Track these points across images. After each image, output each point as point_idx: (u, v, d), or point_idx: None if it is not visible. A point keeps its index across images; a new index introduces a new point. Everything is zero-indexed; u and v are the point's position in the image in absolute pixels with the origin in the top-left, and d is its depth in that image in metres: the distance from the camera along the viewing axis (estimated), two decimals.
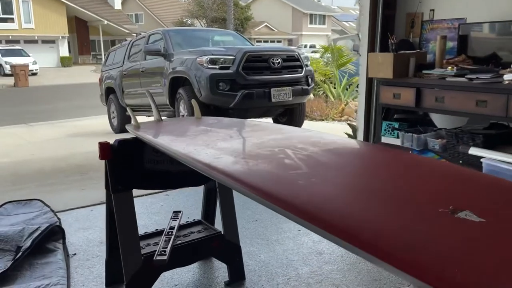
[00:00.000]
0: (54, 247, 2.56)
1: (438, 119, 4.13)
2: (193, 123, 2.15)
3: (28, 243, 2.50)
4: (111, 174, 1.94)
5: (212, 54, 5.22)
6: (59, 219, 3.03)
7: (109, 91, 8.07)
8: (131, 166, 1.98)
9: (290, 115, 6.01)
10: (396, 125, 4.09)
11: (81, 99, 14.45)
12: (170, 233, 2.21)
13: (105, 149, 1.93)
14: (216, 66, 5.15)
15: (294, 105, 5.79)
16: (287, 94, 5.30)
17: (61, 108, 12.46)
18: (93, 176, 4.26)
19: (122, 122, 7.64)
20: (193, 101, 2.33)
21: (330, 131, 6.19)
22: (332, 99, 7.77)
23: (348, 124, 5.27)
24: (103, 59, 8.88)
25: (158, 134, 1.93)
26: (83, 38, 32.50)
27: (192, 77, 5.26)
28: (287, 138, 1.64)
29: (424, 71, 3.81)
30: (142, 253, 2.00)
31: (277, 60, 5.31)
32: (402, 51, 4.06)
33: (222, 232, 2.26)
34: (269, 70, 5.28)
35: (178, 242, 2.17)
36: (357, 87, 8.47)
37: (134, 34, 7.96)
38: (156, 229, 2.33)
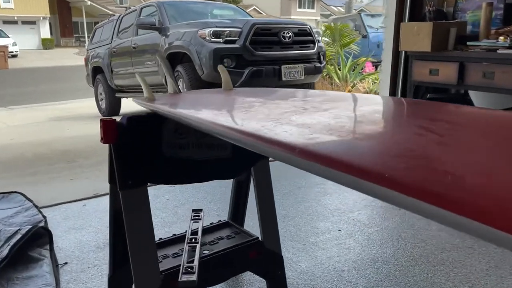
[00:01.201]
0: (39, 255, 2.01)
1: (479, 99, 3.64)
2: (228, 94, 1.61)
3: (5, 251, 1.95)
4: (118, 163, 1.40)
5: (216, 26, 4.63)
6: (44, 217, 2.48)
7: (96, 71, 7.42)
8: (146, 152, 1.44)
9: None
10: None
11: (65, 82, 13.69)
12: (193, 240, 1.68)
13: (109, 128, 1.38)
14: (220, 40, 4.57)
15: (305, 85, 5.25)
16: (299, 72, 4.76)
17: (43, 91, 11.72)
18: (83, 163, 3.68)
19: (111, 104, 7.03)
20: (221, 67, 1.78)
21: None
22: (338, 81, 7.26)
23: None
24: (90, 37, 8.18)
25: (188, 107, 1.39)
26: (66, 20, 31.26)
27: (192, 52, 4.67)
28: (377, 109, 1.13)
29: (469, 43, 3.31)
30: (160, 269, 1.47)
31: (288, 34, 4.76)
32: (440, 21, 3.55)
33: (260, 238, 1.74)
34: (279, 45, 4.72)
35: (205, 252, 1.64)
36: (362, 69, 7.98)
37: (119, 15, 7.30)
38: (174, 234, 1.80)
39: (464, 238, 2.24)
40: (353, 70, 7.56)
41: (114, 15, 7.52)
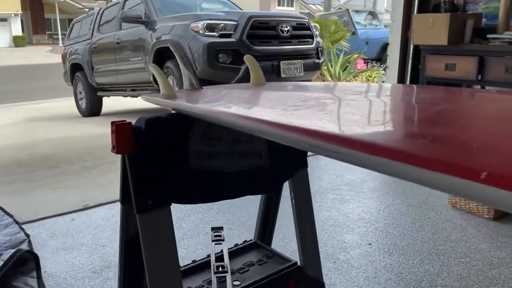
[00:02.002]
0: (24, 286, 1.67)
1: None
2: (264, 89, 1.30)
3: None
4: (135, 179, 1.08)
5: (210, 19, 4.31)
6: (27, 235, 2.12)
7: (75, 68, 6.97)
8: (169, 164, 1.13)
9: None
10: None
11: (39, 81, 13.08)
12: (221, 268, 1.37)
13: (124, 134, 1.06)
14: (215, 34, 4.25)
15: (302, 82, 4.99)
16: (298, 68, 4.48)
17: (16, 90, 11.12)
18: (67, 170, 3.31)
19: (92, 103, 6.60)
20: (248, 57, 1.48)
21: None
22: (330, 78, 7.03)
23: None
24: (67, 32, 7.71)
25: (225, 105, 1.07)
26: (38, 16, 30.19)
27: (184, 47, 4.33)
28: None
29: (489, 36, 3.09)
30: None
31: (286, 27, 4.47)
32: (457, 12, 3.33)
33: (300, 263, 1.45)
34: (278, 39, 4.43)
35: (237, 284, 1.34)
36: (353, 66, 7.77)
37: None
38: (194, 261, 1.48)
39: (509, 250, 2.01)
40: (345, 68, 7.34)
41: (93, 8, 7.08)
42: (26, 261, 1.78)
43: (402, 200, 2.63)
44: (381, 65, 8.73)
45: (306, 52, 4.66)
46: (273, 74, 4.32)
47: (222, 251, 1.49)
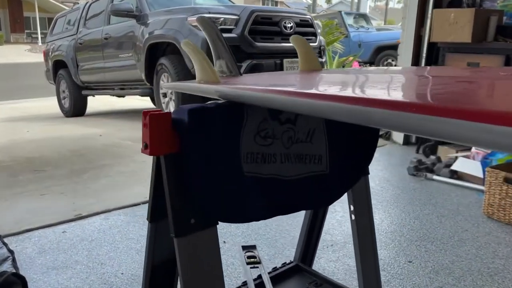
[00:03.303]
0: None
1: None
2: (316, 73, 1.02)
3: None
4: (174, 190, 0.79)
5: (209, 12, 4.01)
6: (11, 252, 1.79)
7: (58, 66, 6.58)
8: (219, 170, 0.84)
9: None
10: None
11: (18, 80, 12.53)
12: None
13: (161, 128, 0.78)
14: None
15: None
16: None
17: None
18: (54, 174, 2.96)
19: (76, 103, 6.23)
20: (295, 38, 1.20)
21: None
22: None
23: None
24: (50, 27, 7.30)
25: (288, 87, 0.79)
26: (16, 14, 29.30)
27: (181, 42, 4.02)
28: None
29: None
30: None
31: (290, 24, 4.21)
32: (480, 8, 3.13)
33: None
34: (280, 36, 4.16)
35: None
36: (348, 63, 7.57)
37: None
38: None
39: None
40: None
41: (78, 2, 6.70)
42: (11, 285, 1.46)
43: (431, 210, 2.39)
44: None
45: None
46: None
47: (260, 276, 1.21)
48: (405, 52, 3.72)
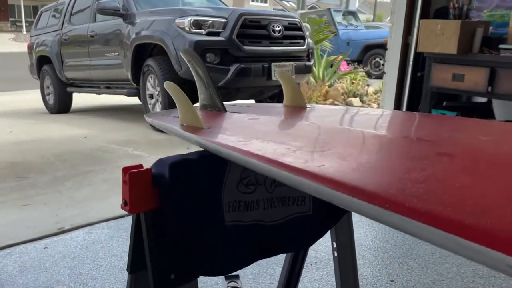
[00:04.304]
0: None
1: (505, 111, 3.28)
2: (307, 116, 1.01)
3: None
4: (153, 246, 0.78)
5: (197, 15, 3.97)
6: None
7: (42, 61, 6.47)
8: (200, 223, 0.83)
9: (282, 98, 4.91)
10: (452, 115, 3.18)
11: (1, 71, 12.26)
12: None
13: (141, 186, 0.77)
14: (203, 31, 3.92)
15: None
16: (289, 71, 4.22)
17: None
18: (37, 181, 2.92)
19: (60, 99, 6.14)
20: (282, 73, 1.19)
21: None
22: (313, 80, 6.80)
23: None
24: (34, 21, 7.15)
25: (276, 144, 0.78)
26: (0, 2, 28.68)
27: (168, 44, 3.98)
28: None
29: (501, 46, 2.92)
30: None
31: (278, 27, 4.19)
32: (466, 20, 3.14)
33: None
34: (269, 39, 4.14)
35: None
36: (337, 68, 7.57)
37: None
38: None
39: None
40: (331, 68, 7.13)
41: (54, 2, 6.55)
42: None
43: None
44: (363, 67, 8.60)
45: (297, 54, 4.40)
46: (263, 77, 4.04)
47: None
48: (392, 59, 3.74)
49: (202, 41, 3.84)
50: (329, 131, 0.83)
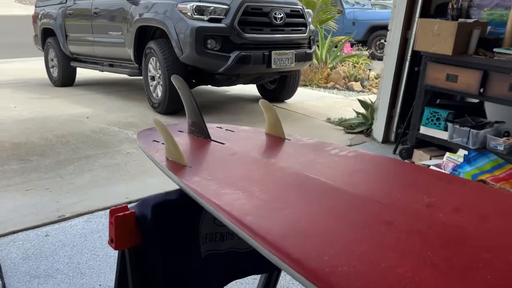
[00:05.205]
0: None
1: (493, 111, 3.35)
2: (284, 152, 1.11)
3: None
4: (136, 278, 0.90)
5: (200, 1, 3.99)
6: None
7: (46, 33, 6.49)
8: (178, 256, 0.95)
9: (282, 82, 4.99)
10: (444, 114, 3.26)
11: (6, 35, 12.23)
12: None
13: (125, 227, 0.88)
14: (204, 17, 3.95)
15: (292, 73, 4.78)
16: (289, 59, 4.26)
17: None
18: (39, 164, 3.05)
19: (64, 73, 6.20)
20: (263, 102, 1.28)
21: (331, 105, 5.27)
22: (316, 62, 6.81)
23: (360, 100, 4.38)
24: None
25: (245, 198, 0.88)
26: None
27: (170, 28, 4.03)
28: None
29: (496, 50, 2.96)
30: None
31: (280, 15, 4.21)
32: (461, 20, 3.16)
33: None
34: (270, 27, 4.17)
35: None
36: (341, 50, 7.54)
37: None
38: None
39: None
40: (333, 51, 7.11)
41: None
42: None
43: None
44: (367, 49, 8.56)
45: (298, 41, 4.43)
46: (263, 65, 4.09)
47: None
48: (391, 53, 3.77)
49: (204, 27, 3.88)
50: (292, 182, 0.93)
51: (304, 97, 5.59)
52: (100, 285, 1.84)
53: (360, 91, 6.31)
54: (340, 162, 1.05)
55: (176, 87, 1.29)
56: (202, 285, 0.99)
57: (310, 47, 4.61)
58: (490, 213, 0.84)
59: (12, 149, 3.32)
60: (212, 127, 1.36)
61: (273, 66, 4.12)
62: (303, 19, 4.46)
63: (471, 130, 3.05)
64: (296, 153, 1.12)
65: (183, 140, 1.25)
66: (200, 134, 1.26)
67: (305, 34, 4.49)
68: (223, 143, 1.20)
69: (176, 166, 1.03)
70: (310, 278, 0.63)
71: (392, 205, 0.83)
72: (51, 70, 6.52)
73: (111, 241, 0.90)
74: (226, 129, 1.35)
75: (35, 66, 7.73)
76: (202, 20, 3.93)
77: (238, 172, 1.01)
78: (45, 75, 6.59)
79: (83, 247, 2.10)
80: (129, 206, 0.93)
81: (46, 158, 3.16)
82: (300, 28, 4.44)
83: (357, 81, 6.48)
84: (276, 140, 1.23)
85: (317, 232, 0.76)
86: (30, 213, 2.36)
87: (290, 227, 0.78)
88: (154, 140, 1.26)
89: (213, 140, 1.22)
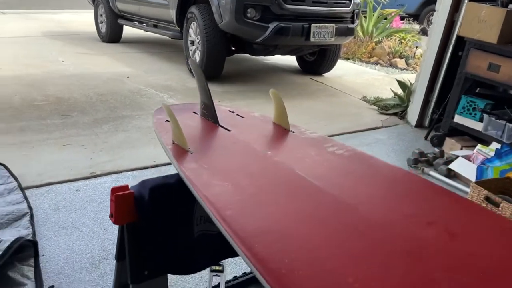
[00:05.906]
0: (20, 277, 1.67)
1: None
2: (284, 144, 1.16)
3: None
4: (132, 250, 1.01)
5: None
6: (30, 208, 2.11)
7: None
8: (171, 232, 1.04)
9: (322, 55, 4.93)
10: (481, 104, 3.15)
11: None
12: None
13: (124, 205, 0.97)
14: None
15: (332, 47, 4.71)
16: (329, 33, 4.19)
17: None
18: (78, 121, 3.24)
19: (112, 30, 6.37)
20: (274, 92, 1.32)
21: (370, 82, 5.16)
22: (361, 35, 6.62)
23: (398, 81, 4.27)
24: None
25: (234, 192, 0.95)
26: None
27: None
28: None
29: None
30: None
31: None
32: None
33: None
34: None
35: None
36: (390, 23, 7.26)
37: None
38: None
39: None
40: (382, 24, 6.87)
41: None
42: (25, 248, 1.77)
43: None
44: (419, 24, 8.17)
45: (341, 15, 4.33)
46: (301, 37, 4.05)
47: (219, 285, 1.45)
48: (435, 35, 3.63)
49: None
50: (282, 179, 0.98)
51: (343, 71, 5.50)
52: None
53: (404, 69, 6.13)
54: (334, 161, 1.09)
55: (192, 70, 1.35)
56: (192, 261, 1.09)
57: (353, 22, 4.50)
58: (464, 232, 0.87)
59: (56, 103, 3.53)
60: (224, 111, 1.42)
61: (312, 39, 4.08)
62: None
63: (507, 123, 2.95)
64: (294, 148, 1.16)
65: (193, 123, 1.32)
66: (210, 118, 1.32)
67: (349, 8, 4.37)
68: (229, 130, 1.26)
69: (178, 150, 1.11)
70: (266, 277, 0.70)
71: (371, 213, 0.87)
72: (100, 25, 6.71)
73: (111, 216, 1.00)
74: (237, 114, 1.41)
75: (87, 19, 7.96)
76: None
77: (235, 163, 1.07)
78: (95, 29, 6.80)
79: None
80: (130, 186, 1.03)
81: (85, 115, 3.34)
82: (344, 1, 4.33)
83: (402, 58, 6.28)
84: (280, 131, 1.28)
85: (290, 234, 0.82)
86: (65, 167, 2.55)
87: (266, 225, 0.84)
88: (167, 120, 1.34)
89: (221, 126, 1.28)
